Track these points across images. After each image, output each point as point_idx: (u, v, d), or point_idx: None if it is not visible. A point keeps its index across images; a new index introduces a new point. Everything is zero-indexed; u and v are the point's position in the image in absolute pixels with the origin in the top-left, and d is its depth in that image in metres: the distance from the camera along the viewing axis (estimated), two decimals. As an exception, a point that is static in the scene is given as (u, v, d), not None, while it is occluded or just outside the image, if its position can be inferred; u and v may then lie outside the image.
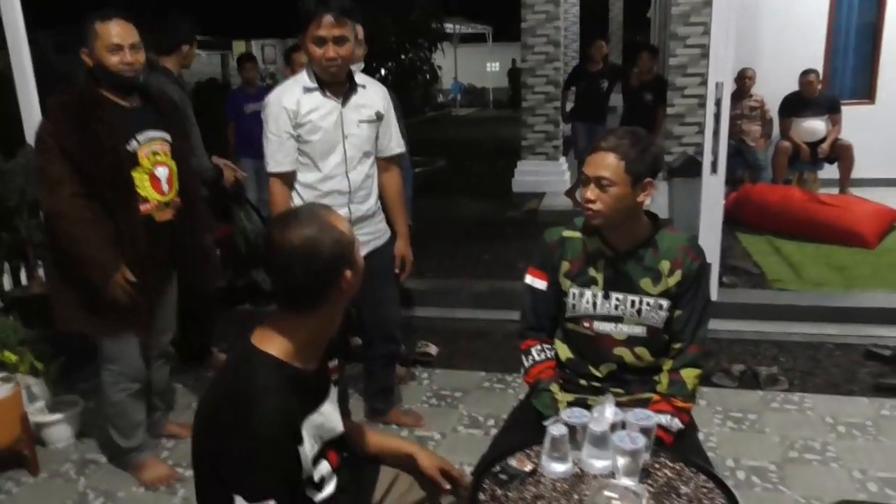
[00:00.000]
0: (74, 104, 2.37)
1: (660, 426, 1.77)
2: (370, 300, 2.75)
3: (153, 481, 2.68)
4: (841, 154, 6.31)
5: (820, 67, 6.66)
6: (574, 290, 1.94)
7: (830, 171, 6.44)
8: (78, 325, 2.53)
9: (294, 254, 1.32)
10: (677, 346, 1.91)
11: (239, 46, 19.52)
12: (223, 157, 3.50)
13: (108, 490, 2.68)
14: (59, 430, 2.98)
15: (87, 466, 2.84)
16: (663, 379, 1.91)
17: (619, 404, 1.70)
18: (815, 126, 6.35)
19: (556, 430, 1.54)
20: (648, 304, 1.88)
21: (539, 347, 2.01)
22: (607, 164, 1.78)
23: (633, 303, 1.89)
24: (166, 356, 2.85)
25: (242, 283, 4.25)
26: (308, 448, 1.39)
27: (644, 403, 1.86)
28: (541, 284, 2.00)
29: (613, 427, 1.57)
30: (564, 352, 2.03)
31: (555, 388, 1.96)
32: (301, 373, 1.39)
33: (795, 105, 6.38)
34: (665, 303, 1.88)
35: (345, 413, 1.71)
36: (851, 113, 6.51)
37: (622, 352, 1.93)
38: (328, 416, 1.48)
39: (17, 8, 3.35)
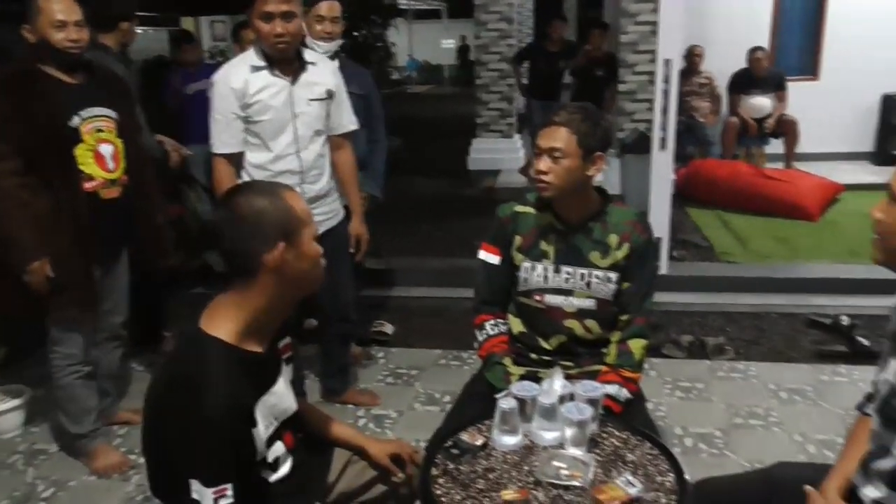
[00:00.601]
0: (12, 79, 2.33)
1: (609, 396, 1.82)
2: (325, 280, 2.74)
3: (105, 469, 2.64)
4: (786, 129, 6.47)
5: (766, 45, 6.80)
6: (526, 264, 1.97)
7: (776, 146, 6.60)
8: (22, 308, 2.46)
9: (233, 214, 1.35)
10: (624, 317, 1.96)
11: (187, 23, 18.83)
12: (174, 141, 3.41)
13: (58, 480, 2.63)
14: (6, 421, 2.91)
15: (35, 457, 2.78)
16: (611, 350, 1.96)
17: (568, 377, 1.75)
18: (762, 103, 6.49)
19: (505, 403, 1.57)
20: (598, 276, 1.93)
21: (493, 322, 2.05)
22: (560, 136, 1.83)
23: (582, 276, 1.93)
24: (118, 339, 2.80)
25: (195, 265, 4.19)
26: (262, 430, 1.39)
27: (593, 375, 1.91)
28: (494, 259, 2.03)
29: (562, 399, 1.61)
30: (517, 326, 2.06)
31: (507, 361, 2.00)
32: (250, 355, 1.38)
33: (744, 82, 6.51)
34: (614, 275, 1.93)
35: (299, 393, 1.72)
36: (796, 89, 6.67)
37: (572, 324, 1.98)
38: (281, 397, 1.48)
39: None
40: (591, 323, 1.97)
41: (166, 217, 2.85)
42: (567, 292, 1.96)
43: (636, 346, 1.94)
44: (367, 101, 3.14)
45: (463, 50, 21.87)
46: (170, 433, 1.30)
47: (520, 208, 2.01)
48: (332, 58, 2.88)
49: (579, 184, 1.87)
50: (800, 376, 3.21)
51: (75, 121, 2.38)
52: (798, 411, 2.93)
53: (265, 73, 2.49)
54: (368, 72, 3.29)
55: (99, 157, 2.43)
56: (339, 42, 2.98)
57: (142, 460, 2.63)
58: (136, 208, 2.58)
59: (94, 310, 2.52)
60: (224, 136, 2.52)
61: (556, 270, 1.95)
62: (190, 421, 1.26)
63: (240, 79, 2.47)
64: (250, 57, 2.51)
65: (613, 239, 1.92)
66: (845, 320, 3.59)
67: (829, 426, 2.80)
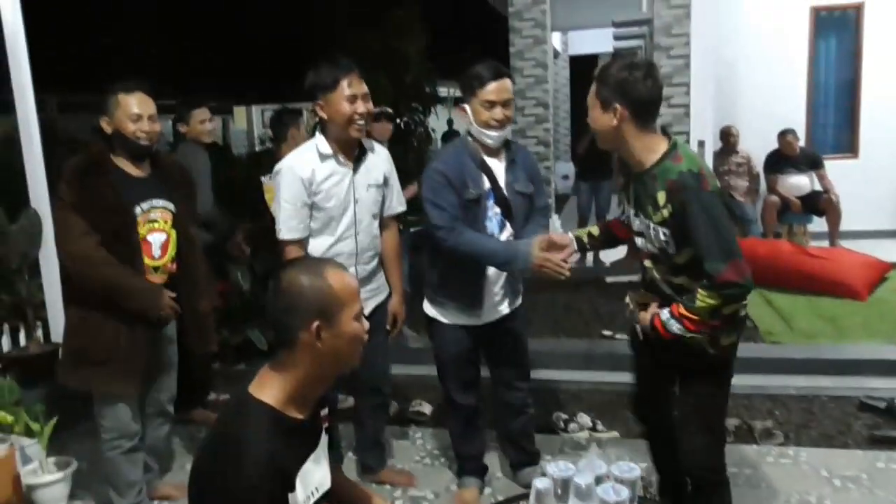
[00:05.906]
0: (85, 169, 2.52)
1: (659, 317, 1.95)
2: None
3: (146, 542, 2.66)
4: (828, 207, 6.43)
5: (802, 123, 6.85)
6: (624, 203, 2.13)
7: (819, 225, 6.54)
8: (77, 380, 2.58)
9: (276, 288, 1.43)
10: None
11: (238, 112, 19.87)
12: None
13: (99, 553, 2.66)
14: (52, 492, 2.94)
15: (78, 529, 2.82)
16: None
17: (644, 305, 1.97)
18: (800, 181, 6.48)
19: (540, 483, 1.56)
20: (653, 228, 1.98)
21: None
22: (591, 89, 1.98)
23: (647, 225, 2.00)
24: (165, 416, 2.87)
25: (237, 341, 4.27)
26: (301, 497, 1.41)
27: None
28: None
29: (598, 479, 1.59)
30: None
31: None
32: (294, 421, 1.42)
33: (778, 162, 6.54)
34: (664, 231, 1.95)
35: (336, 460, 1.73)
36: (837, 167, 6.66)
37: (648, 264, 2.07)
38: (319, 465, 1.51)
39: (25, 71, 3.37)
40: (659, 267, 2.02)
41: (212, 304, 2.95)
42: (641, 235, 2.05)
43: (702, 294, 1.91)
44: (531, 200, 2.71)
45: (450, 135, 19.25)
46: (210, 488, 1.34)
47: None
48: (504, 147, 2.60)
49: (610, 135, 1.97)
50: (853, 462, 3.08)
51: (136, 211, 2.55)
52: (852, 499, 2.80)
53: (331, 161, 2.59)
54: (534, 161, 2.80)
55: (146, 245, 2.59)
56: (509, 129, 2.59)
57: (181, 535, 2.67)
58: (183, 296, 2.68)
59: (135, 382, 2.60)
60: (293, 223, 2.60)
61: (635, 214, 2.05)
62: (230, 478, 1.30)
63: (308, 168, 2.57)
64: (317, 145, 2.60)
65: (662, 196, 1.93)
66: (901, 404, 3.45)
67: (886, 516, 2.67)
